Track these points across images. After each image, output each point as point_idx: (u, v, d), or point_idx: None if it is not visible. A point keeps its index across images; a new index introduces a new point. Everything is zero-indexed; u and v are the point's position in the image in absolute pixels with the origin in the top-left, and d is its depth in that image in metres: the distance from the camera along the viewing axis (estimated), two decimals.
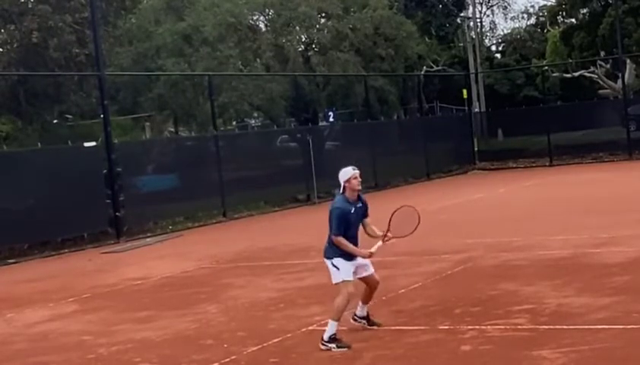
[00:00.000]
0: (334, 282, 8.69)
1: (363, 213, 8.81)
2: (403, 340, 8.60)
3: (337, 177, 8.78)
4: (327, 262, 8.72)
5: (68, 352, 9.53)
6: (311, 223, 20.54)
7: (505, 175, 30.45)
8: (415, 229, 8.90)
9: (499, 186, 25.53)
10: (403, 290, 10.99)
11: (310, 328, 9.43)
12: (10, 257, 18.60)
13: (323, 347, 8.45)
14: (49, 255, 18.86)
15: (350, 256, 8.62)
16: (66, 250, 19.29)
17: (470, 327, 8.78)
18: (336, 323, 8.50)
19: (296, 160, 26.45)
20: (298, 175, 25.85)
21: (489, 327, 8.71)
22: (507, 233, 15.50)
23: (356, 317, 9.13)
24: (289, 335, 9.19)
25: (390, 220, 8.79)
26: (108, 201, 20.26)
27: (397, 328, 9.07)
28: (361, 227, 8.83)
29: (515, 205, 20.56)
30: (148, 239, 20.13)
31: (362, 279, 8.88)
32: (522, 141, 34.74)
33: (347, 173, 8.66)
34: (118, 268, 15.95)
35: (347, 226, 8.62)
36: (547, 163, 32.42)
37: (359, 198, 8.76)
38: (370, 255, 8.69)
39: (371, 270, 8.86)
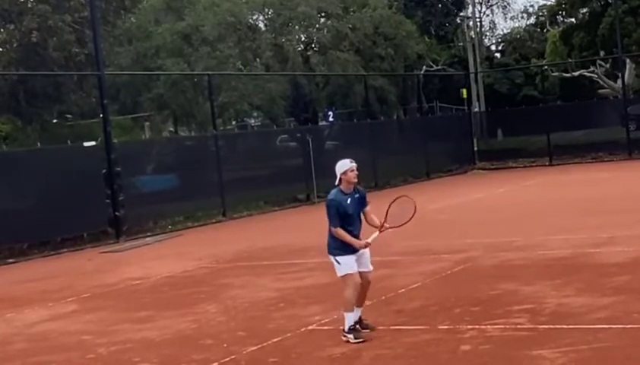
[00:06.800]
0: (338, 275, 8.77)
1: (361, 202, 8.77)
2: (403, 340, 8.59)
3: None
4: (331, 258, 8.76)
5: (67, 352, 9.52)
6: (311, 223, 20.52)
7: (505, 175, 30.44)
8: (411, 218, 8.92)
9: (498, 186, 25.53)
10: (403, 290, 10.98)
11: (310, 327, 9.43)
12: (10, 257, 18.60)
13: (343, 338, 8.61)
14: (48, 254, 18.86)
15: (351, 249, 8.63)
16: (66, 250, 19.28)
17: (469, 327, 8.77)
18: (351, 314, 8.63)
19: (296, 160, 26.43)
20: (298, 175, 25.83)
21: (488, 327, 8.70)
22: (507, 232, 15.49)
23: None
24: (288, 335, 9.19)
25: (387, 211, 8.87)
26: (107, 200, 20.25)
27: (397, 327, 9.06)
28: (364, 218, 8.83)
29: (515, 205, 20.56)
30: (148, 239, 20.12)
31: None
32: (522, 141, 34.75)
33: (345, 166, 8.65)
34: (118, 268, 15.94)
35: (345, 216, 8.61)
36: (547, 163, 32.43)
37: (355, 190, 8.74)
38: (366, 245, 8.70)
39: (368, 267, 8.81)
